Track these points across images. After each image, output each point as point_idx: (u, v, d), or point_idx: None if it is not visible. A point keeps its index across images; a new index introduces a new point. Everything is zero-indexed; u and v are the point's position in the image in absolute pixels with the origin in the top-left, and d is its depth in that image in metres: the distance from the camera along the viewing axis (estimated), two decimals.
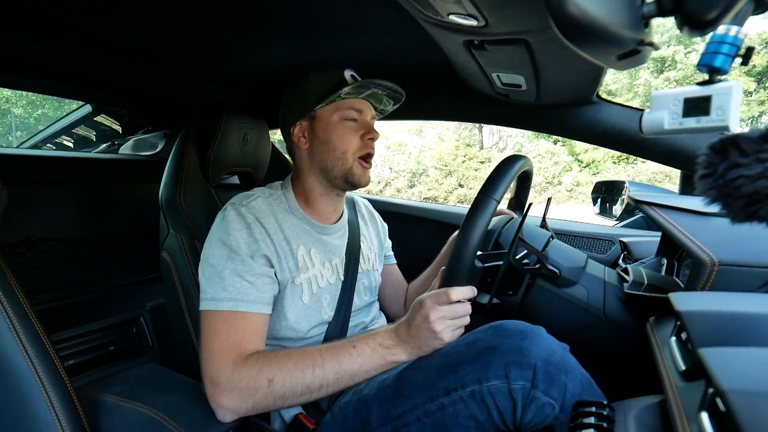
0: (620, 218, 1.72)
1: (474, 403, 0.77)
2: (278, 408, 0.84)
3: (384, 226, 1.35)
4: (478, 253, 0.93)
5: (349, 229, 1.15)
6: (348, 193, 1.20)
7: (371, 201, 1.47)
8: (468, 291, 0.85)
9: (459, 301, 0.84)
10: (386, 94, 1.07)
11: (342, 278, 1.06)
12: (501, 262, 0.95)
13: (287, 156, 1.87)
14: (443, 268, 0.88)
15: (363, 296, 1.11)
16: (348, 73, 1.03)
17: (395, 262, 1.37)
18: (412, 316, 0.85)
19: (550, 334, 0.84)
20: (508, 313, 1.02)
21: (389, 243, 1.35)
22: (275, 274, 0.92)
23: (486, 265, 0.96)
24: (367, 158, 1.04)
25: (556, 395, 0.73)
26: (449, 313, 0.83)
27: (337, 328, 1.01)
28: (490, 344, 0.82)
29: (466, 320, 0.86)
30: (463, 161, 16.33)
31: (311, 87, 1.02)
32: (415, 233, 1.81)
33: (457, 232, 0.88)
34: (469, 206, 0.86)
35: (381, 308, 1.26)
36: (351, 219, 1.18)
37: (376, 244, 1.26)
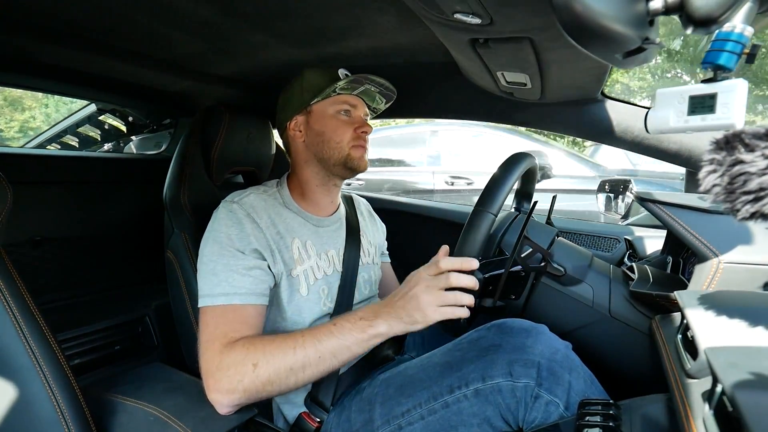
0: (625, 216, 1.71)
1: (478, 401, 0.77)
2: (272, 394, 0.82)
3: (383, 227, 1.35)
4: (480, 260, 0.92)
5: (347, 221, 1.15)
6: (346, 192, 1.21)
7: (371, 200, 1.47)
8: (458, 262, 0.78)
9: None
10: (379, 92, 1.10)
11: (341, 269, 1.06)
12: (502, 271, 0.94)
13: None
14: None
15: (363, 290, 1.11)
16: (342, 72, 1.06)
17: (389, 260, 1.37)
18: (401, 287, 0.82)
19: (552, 332, 0.84)
20: (512, 312, 1.02)
21: (386, 243, 1.35)
22: (269, 267, 0.93)
23: (487, 275, 0.95)
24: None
25: (561, 393, 0.73)
26: (439, 282, 0.77)
27: None
28: (493, 342, 0.82)
29: (461, 299, 0.77)
30: None
31: (307, 84, 1.05)
32: (416, 232, 1.81)
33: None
34: (470, 211, 0.85)
35: None
36: (348, 213, 1.19)
37: (376, 239, 1.26)
